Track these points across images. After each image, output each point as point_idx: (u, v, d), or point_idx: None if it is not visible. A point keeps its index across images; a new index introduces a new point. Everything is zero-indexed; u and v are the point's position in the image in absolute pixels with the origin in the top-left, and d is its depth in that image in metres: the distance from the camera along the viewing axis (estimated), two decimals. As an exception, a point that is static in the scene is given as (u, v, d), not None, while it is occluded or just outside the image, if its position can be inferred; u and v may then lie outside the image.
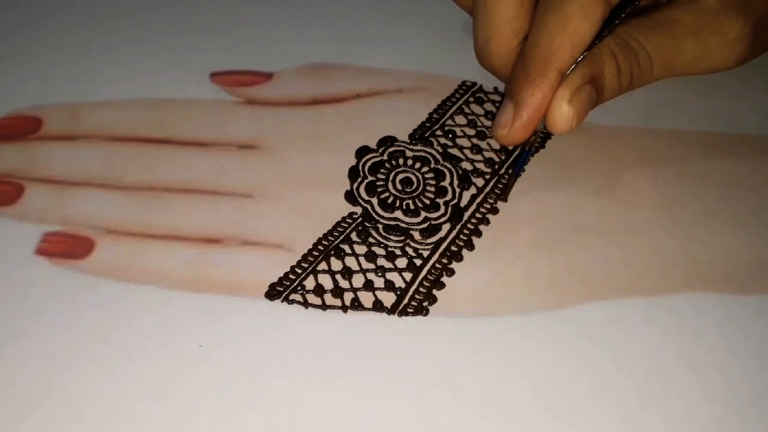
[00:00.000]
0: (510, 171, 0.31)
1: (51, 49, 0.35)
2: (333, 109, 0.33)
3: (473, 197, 0.30)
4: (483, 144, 0.32)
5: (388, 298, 0.27)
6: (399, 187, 0.30)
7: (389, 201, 0.29)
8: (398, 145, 0.31)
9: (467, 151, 0.31)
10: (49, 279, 0.26)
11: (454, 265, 0.28)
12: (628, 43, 0.29)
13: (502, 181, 0.30)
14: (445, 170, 0.31)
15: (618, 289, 0.27)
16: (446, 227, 0.29)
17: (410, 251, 0.28)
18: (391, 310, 0.26)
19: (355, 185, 0.30)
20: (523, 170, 0.31)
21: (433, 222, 0.29)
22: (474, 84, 0.34)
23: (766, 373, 0.25)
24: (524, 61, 0.27)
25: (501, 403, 0.24)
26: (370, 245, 0.28)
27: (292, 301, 0.26)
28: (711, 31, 0.29)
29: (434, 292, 0.27)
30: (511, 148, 0.31)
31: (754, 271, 0.28)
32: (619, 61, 0.28)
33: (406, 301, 0.27)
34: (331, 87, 0.34)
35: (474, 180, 0.30)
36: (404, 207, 0.29)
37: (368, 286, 0.27)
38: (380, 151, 0.31)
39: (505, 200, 0.30)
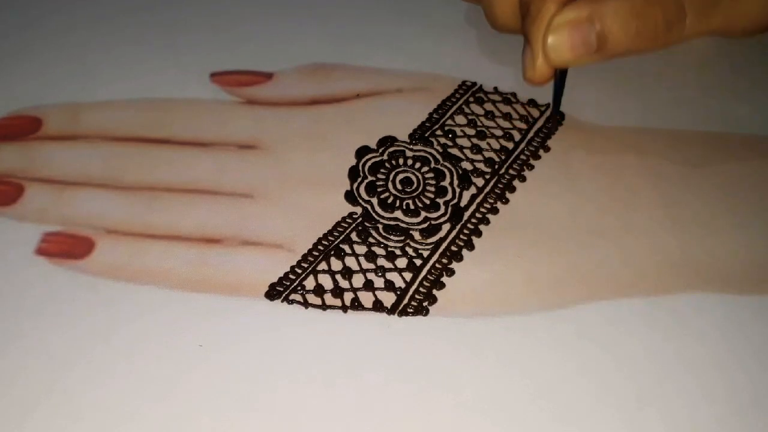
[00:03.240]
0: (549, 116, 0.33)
1: (51, 49, 0.35)
2: (333, 109, 0.33)
3: (473, 197, 0.30)
4: (483, 144, 0.32)
5: (388, 298, 0.27)
6: (399, 187, 0.30)
7: (389, 201, 0.29)
8: (398, 145, 0.31)
9: (467, 151, 0.31)
10: (49, 279, 0.26)
11: (454, 265, 0.28)
12: None
13: (502, 181, 0.30)
14: (445, 170, 0.31)
15: (618, 289, 0.27)
16: (446, 227, 0.29)
17: (410, 251, 0.28)
18: (391, 310, 0.26)
19: (355, 185, 0.30)
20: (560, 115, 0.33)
21: (433, 222, 0.29)
22: (474, 84, 0.34)
23: (766, 373, 0.25)
24: (526, 5, 0.29)
25: (501, 403, 0.24)
26: (370, 245, 0.28)
27: (292, 301, 0.26)
28: None
29: (434, 292, 0.27)
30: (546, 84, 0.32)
31: (755, 271, 0.28)
32: (636, 5, 0.27)
33: (406, 301, 0.27)
34: (331, 87, 0.34)
35: (474, 180, 0.30)
36: (404, 207, 0.29)
37: (368, 286, 0.27)
38: (380, 151, 0.31)
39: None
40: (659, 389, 0.25)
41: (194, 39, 0.36)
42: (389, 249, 0.28)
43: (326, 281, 0.27)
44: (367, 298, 0.27)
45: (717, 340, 0.26)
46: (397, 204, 0.29)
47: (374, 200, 0.29)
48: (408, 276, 0.27)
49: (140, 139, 0.31)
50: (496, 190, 0.30)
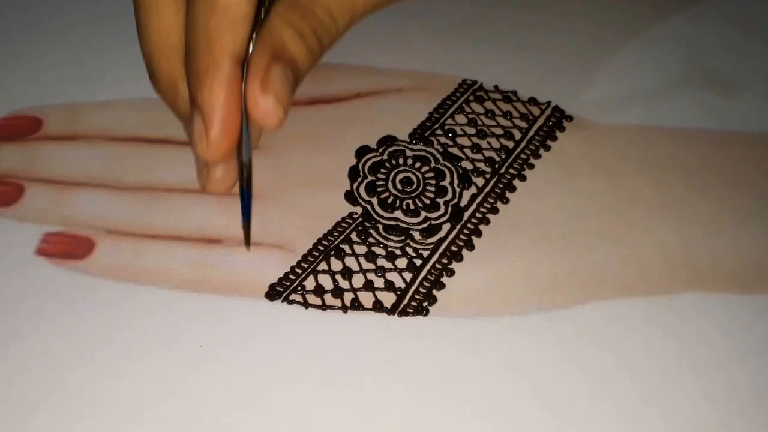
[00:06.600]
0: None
1: (51, 49, 0.35)
2: (333, 109, 0.33)
3: (473, 197, 0.30)
4: (483, 143, 0.32)
5: (388, 299, 0.27)
6: (399, 186, 0.30)
7: (389, 201, 0.29)
8: (398, 145, 0.31)
9: (467, 151, 0.31)
10: (49, 279, 0.26)
11: (454, 265, 0.28)
12: (298, 2, 0.25)
13: (503, 181, 0.30)
14: (445, 170, 0.31)
15: (619, 289, 0.27)
16: (446, 227, 0.29)
17: (410, 251, 0.28)
18: (391, 311, 0.26)
19: (355, 185, 0.30)
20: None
21: (433, 222, 0.29)
22: (474, 82, 0.34)
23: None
24: (190, 62, 0.24)
25: (501, 403, 0.24)
26: (370, 245, 0.28)
27: (292, 302, 0.26)
28: None
29: (434, 292, 0.27)
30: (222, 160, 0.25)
31: (757, 270, 0.28)
32: (296, 24, 0.24)
33: (406, 301, 0.27)
34: (331, 86, 0.34)
35: (474, 179, 0.30)
36: (404, 207, 0.29)
37: (368, 286, 0.27)
38: (380, 150, 0.31)
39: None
40: (660, 389, 0.25)
41: (194, 38, 0.35)
42: (389, 249, 0.28)
43: (326, 281, 0.27)
44: (367, 298, 0.27)
45: (719, 340, 0.26)
46: (397, 204, 0.29)
47: (374, 200, 0.29)
48: (408, 276, 0.27)
49: (140, 139, 0.31)
50: (496, 190, 0.30)
